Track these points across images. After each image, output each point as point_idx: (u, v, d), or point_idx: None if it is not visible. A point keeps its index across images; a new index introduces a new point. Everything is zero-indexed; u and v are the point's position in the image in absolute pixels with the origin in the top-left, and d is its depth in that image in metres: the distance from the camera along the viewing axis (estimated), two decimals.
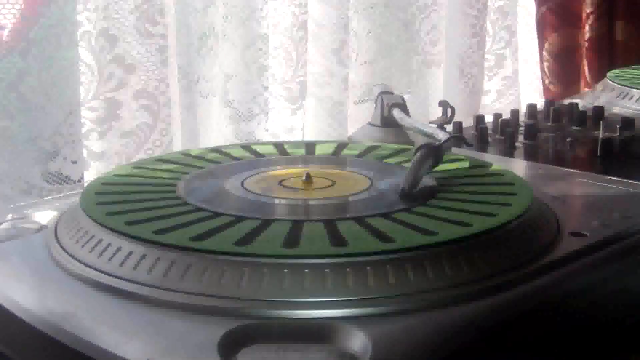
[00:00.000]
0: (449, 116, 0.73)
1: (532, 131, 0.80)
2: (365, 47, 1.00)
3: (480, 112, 1.10)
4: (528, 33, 1.29)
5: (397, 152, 0.64)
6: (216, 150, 0.65)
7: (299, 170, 0.58)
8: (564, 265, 0.45)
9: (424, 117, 1.04)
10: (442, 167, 0.57)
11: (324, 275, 0.40)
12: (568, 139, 0.79)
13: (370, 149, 0.65)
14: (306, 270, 0.40)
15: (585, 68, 1.31)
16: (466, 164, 0.60)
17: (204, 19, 0.82)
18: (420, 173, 0.53)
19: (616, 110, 0.92)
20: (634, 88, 0.94)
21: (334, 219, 0.47)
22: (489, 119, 0.86)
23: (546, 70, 1.30)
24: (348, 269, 0.40)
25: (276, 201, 0.52)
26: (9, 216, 0.53)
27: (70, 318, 0.39)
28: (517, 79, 1.24)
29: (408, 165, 0.54)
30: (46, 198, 0.69)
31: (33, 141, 0.69)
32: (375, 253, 0.41)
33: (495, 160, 0.67)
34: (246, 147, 0.65)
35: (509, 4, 1.21)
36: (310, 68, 0.93)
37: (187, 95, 0.82)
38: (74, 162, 0.72)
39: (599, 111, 0.87)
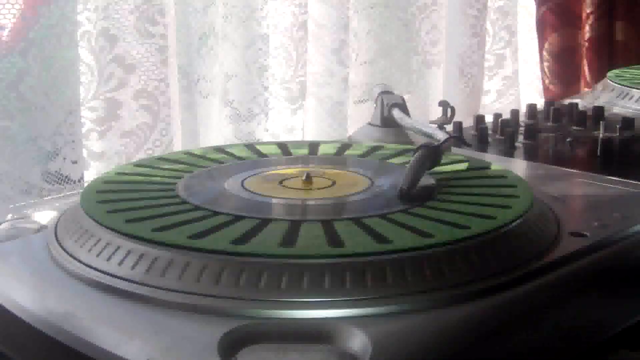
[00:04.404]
0: (449, 116, 0.73)
1: (532, 131, 0.80)
2: (365, 47, 1.00)
3: (480, 112, 1.10)
4: (528, 33, 1.29)
5: (400, 153, 0.64)
6: (217, 149, 0.65)
7: (299, 170, 0.58)
8: (564, 265, 0.45)
9: (424, 117, 1.04)
10: (441, 167, 0.57)
11: (324, 276, 0.40)
12: (568, 139, 0.79)
13: (374, 149, 0.65)
14: (306, 271, 0.40)
15: (585, 68, 1.31)
16: (466, 164, 0.60)
17: (204, 19, 0.82)
18: (419, 173, 0.53)
19: (616, 110, 0.92)
20: (634, 88, 0.94)
21: (335, 219, 0.47)
22: (489, 119, 0.86)
23: (546, 70, 1.30)
24: (348, 270, 0.40)
25: (276, 201, 0.52)
26: (9, 216, 0.53)
27: (70, 318, 0.39)
28: (517, 79, 1.24)
29: (394, 160, 0.54)
30: (46, 198, 0.68)
31: (33, 141, 0.69)
32: (375, 254, 0.41)
33: (495, 160, 0.67)
34: (248, 146, 0.65)
35: (509, 4, 1.21)
36: (310, 68, 0.93)
37: (187, 95, 0.82)
38: (74, 162, 0.72)
39: (599, 111, 0.87)
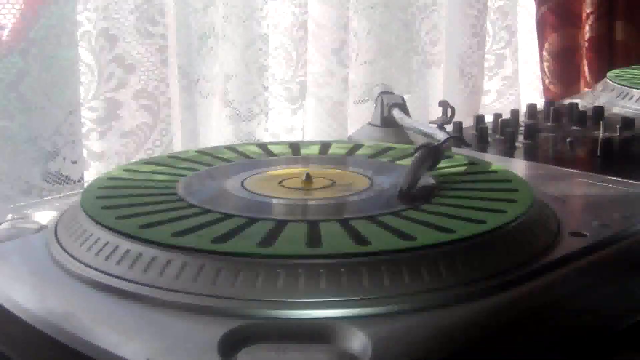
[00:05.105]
0: (449, 116, 0.73)
1: (532, 131, 0.80)
2: (365, 47, 0.99)
3: (480, 112, 1.10)
4: (528, 33, 1.29)
5: (383, 151, 0.64)
6: (215, 150, 0.65)
7: (298, 170, 0.58)
8: (564, 265, 0.45)
9: (424, 117, 1.04)
10: (441, 167, 0.57)
11: (324, 276, 0.40)
12: (568, 139, 0.79)
13: (356, 147, 0.65)
14: (306, 271, 0.40)
15: (585, 68, 1.31)
16: (466, 164, 0.60)
17: (204, 19, 0.82)
18: (419, 173, 0.53)
19: (616, 110, 0.92)
20: (634, 88, 0.94)
21: (336, 219, 0.47)
22: (489, 119, 0.86)
23: (546, 70, 1.30)
24: (348, 270, 0.40)
25: (271, 200, 0.52)
26: (9, 216, 0.53)
27: (70, 318, 0.39)
28: (517, 79, 1.24)
29: (402, 162, 0.54)
30: (46, 198, 0.68)
31: (33, 141, 0.69)
32: (376, 254, 0.41)
33: (495, 160, 0.67)
34: (240, 148, 0.66)
35: (509, 4, 1.21)
36: (310, 68, 0.93)
37: (187, 95, 0.82)
38: (74, 162, 0.72)
39: (599, 111, 0.87)
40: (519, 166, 0.71)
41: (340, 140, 0.74)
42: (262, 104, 0.87)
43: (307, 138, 0.94)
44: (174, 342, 0.36)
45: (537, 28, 1.29)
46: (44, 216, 0.53)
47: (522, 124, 0.83)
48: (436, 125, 0.68)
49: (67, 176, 0.72)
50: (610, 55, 1.32)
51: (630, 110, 0.90)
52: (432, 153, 0.55)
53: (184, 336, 0.37)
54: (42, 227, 0.51)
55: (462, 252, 0.43)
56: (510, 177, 0.56)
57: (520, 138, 0.80)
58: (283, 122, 0.92)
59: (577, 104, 0.90)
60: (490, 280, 0.42)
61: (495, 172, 0.58)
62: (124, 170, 0.59)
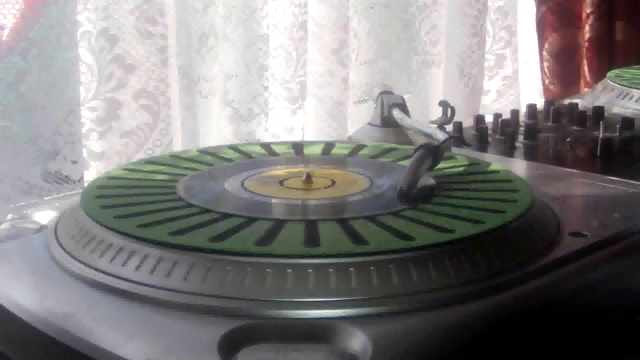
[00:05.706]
0: (449, 116, 0.73)
1: (532, 131, 0.80)
2: (365, 47, 1.00)
3: (480, 112, 1.10)
4: (528, 33, 1.29)
5: (385, 152, 0.64)
6: (214, 150, 0.65)
7: (298, 170, 0.58)
8: (564, 265, 0.45)
9: (424, 117, 1.04)
10: (441, 167, 0.57)
11: (325, 276, 0.40)
12: (568, 139, 0.79)
13: (358, 148, 0.65)
14: (306, 271, 0.40)
15: (585, 68, 1.31)
16: (466, 164, 0.60)
17: (204, 19, 0.82)
18: (419, 173, 0.53)
19: (616, 110, 0.92)
20: (634, 88, 0.94)
21: (336, 219, 0.47)
22: (489, 119, 0.86)
23: (546, 70, 1.30)
24: (348, 270, 0.40)
25: (274, 201, 0.52)
26: (9, 216, 0.53)
27: (70, 318, 0.39)
28: (517, 79, 1.24)
29: (405, 163, 0.54)
30: (46, 198, 0.68)
31: (33, 141, 0.69)
32: (376, 254, 0.41)
33: (495, 160, 0.67)
34: (242, 147, 0.65)
35: (509, 4, 1.21)
36: (310, 68, 0.93)
37: (187, 95, 0.82)
38: (74, 162, 0.72)
39: (599, 111, 0.87)
40: (519, 166, 0.71)
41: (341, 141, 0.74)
42: (262, 104, 0.87)
43: (307, 138, 0.94)
44: (174, 342, 0.36)
45: (537, 28, 1.29)
46: (44, 216, 0.53)
47: (522, 124, 0.83)
48: (436, 125, 0.68)
49: (67, 176, 0.72)
50: (610, 55, 1.32)
51: (630, 110, 0.90)
52: (432, 153, 0.55)
53: (184, 336, 0.37)
54: (42, 227, 0.51)
55: (462, 252, 0.43)
56: (510, 177, 0.56)
57: (520, 138, 0.80)
58: (283, 122, 0.92)
59: (577, 104, 0.90)
60: (490, 280, 0.42)
61: (495, 172, 0.58)
62: (124, 169, 0.59)
